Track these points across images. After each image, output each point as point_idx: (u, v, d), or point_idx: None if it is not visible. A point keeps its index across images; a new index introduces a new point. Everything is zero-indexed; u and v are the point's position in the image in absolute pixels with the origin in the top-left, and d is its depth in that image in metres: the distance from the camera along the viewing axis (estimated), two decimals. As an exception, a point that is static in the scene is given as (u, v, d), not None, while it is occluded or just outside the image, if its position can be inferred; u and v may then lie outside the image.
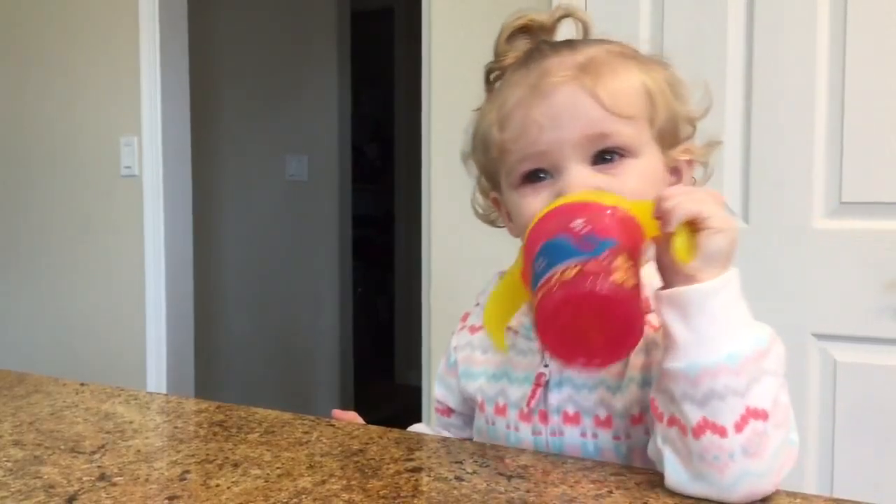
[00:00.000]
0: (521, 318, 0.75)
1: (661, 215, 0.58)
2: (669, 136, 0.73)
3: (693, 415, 0.56)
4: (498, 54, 0.77)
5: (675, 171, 0.74)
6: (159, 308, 2.45)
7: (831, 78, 1.39)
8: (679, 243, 0.57)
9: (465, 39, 1.78)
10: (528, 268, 0.62)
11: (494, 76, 0.78)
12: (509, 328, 0.76)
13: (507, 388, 0.76)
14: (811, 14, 1.40)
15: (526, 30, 0.76)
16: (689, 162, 0.75)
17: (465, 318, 0.85)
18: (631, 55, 0.73)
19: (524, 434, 0.74)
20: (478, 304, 0.83)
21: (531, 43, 0.76)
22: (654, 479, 0.60)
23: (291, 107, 3.29)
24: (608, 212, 0.59)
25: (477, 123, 0.77)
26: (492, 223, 0.83)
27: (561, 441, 0.71)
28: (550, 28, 0.76)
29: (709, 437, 0.55)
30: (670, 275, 0.59)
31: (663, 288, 0.59)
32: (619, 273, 0.56)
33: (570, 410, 0.71)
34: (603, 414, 0.70)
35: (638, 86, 0.70)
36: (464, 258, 1.81)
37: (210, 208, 2.97)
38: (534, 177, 0.70)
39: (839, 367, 1.38)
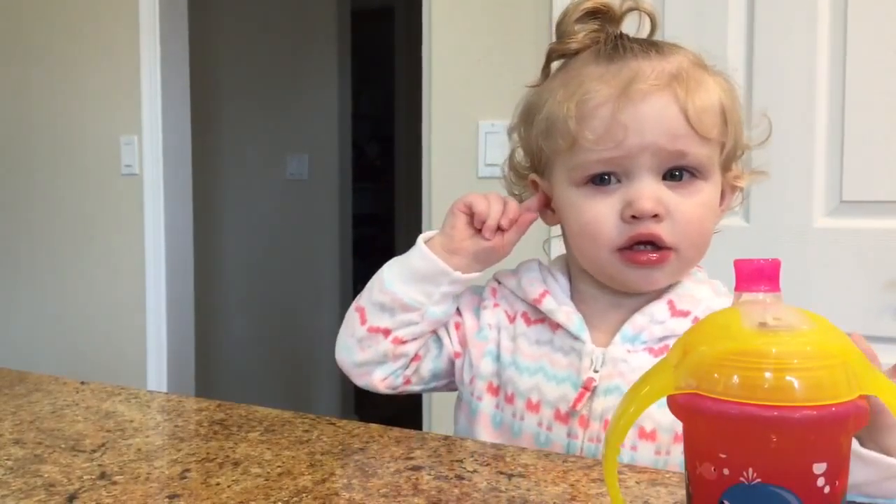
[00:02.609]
0: (570, 314, 0.73)
1: None
2: (729, 160, 0.71)
3: None
4: (563, 35, 0.73)
5: (721, 195, 0.72)
6: (160, 307, 2.45)
7: (831, 78, 1.39)
8: None
9: (465, 39, 1.78)
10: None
11: (556, 57, 0.74)
12: (548, 319, 0.73)
13: (542, 384, 0.72)
14: (811, 14, 1.40)
15: (595, 14, 0.73)
16: (733, 188, 0.74)
17: (494, 293, 0.80)
18: (708, 69, 0.70)
19: (557, 435, 0.71)
20: (500, 283, 0.80)
21: (599, 29, 0.72)
22: (654, 477, 0.60)
23: (292, 106, 3.29)
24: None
25: (538, 103, 0.73)
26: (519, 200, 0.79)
27: (597, 448, 0.69)
28: (619, 18, 0.73)
29: None
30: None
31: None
32: None
33: None
34: (649, 426, 0.68)
35: (717, 105, 0.68)
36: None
37: (210, 207, 2.97)
38: (601, 179, 0.68)
39: (839, 366, 1.38)
